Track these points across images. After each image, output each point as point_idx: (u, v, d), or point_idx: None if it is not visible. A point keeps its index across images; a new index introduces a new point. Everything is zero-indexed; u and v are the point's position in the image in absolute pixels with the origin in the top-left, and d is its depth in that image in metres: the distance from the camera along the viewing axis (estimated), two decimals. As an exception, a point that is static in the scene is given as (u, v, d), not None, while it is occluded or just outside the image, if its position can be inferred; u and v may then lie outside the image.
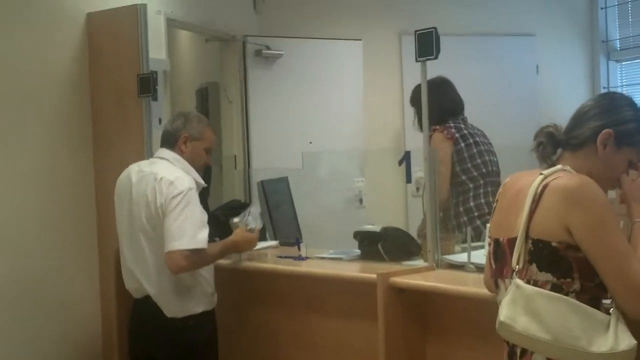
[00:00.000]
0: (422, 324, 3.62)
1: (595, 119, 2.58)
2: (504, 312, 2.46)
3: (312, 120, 6.81)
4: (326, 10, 7.18)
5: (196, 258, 3.79)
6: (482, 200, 4.75)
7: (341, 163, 6.58)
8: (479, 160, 4.79)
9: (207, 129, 4.15)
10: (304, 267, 4.15)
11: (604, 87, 7.95)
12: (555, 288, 2.40)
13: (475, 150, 4.80)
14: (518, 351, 2.50)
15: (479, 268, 3.45)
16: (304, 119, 6.79)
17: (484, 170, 4.80)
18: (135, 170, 4.04)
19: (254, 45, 6.72)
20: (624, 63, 8.06)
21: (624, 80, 8.06)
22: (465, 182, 4.75)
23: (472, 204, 4.75)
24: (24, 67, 4.68)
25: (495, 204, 2.76)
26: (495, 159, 4.90)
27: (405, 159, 4.07)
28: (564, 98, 7.27)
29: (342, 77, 7.02)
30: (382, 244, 4.04)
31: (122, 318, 4.37)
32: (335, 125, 6.86)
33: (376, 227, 4.20)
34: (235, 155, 6.52)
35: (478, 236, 4.14)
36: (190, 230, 3.75)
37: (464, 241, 4.01)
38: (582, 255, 2.37)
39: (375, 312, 3.50)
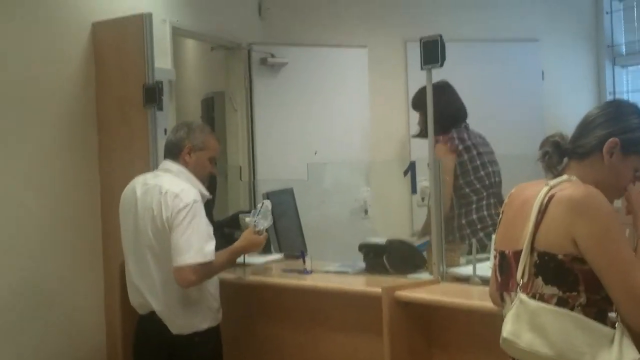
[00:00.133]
0: (427, 337, 3.62)
1: (601, 128, 2.57)
2: (508, 328, 2.45)
3: (318, 129, 6.81)
4: (331, 18, 7.18)
5: (205, 270, 3.78)
6: (485, 213, 4.74)
7: (346, 174, 6.57)
8: (482, 173, 4.78)
9: (210, 137, 4.13)
10: (309, 282, 4.15)
11: (610, 93, 7.93)
12: (561, 302, 2.39)
13: (478, 162, 4.78)
14: (523, 366, 2.48)
15: (484, 281, 3.43)
16: (309, 128, 6.80)
17: (487, 182, 4.79)
18: (140, 184, 4.02)
19: (259, 53, 6.73)
20: (629, 68, 8.03)
21: (630, 86, 8.02)
22: (469, 194, 4.74)
23: (474, 216, 4.73)
24: (29, 77, 4.68)
25: (500, 216, 2.74)
26: (497, 169, 4.88)
27: (411, 169, 4.06)
28: (570, 103, 7.27)
29: (347, 84, 7.03)
30: (387, 257, 4.04)
31: (127, 331, 4.36)
32: (340, 134, 6.86)
33: (381, 240, 4.19)
34: (240, 167, 6.51)
35: (482, 249, 4.12)
36: (196, 243, 3.75)
37: (469, 253, 4.00)
38: (588, 267, 2.36)
39: (380, 325, 3.51)
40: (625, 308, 2.34)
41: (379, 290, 3.52)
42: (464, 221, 4.71)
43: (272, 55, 6.76)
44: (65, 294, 4.81)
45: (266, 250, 4.84)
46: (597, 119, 2.61)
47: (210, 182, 4.31)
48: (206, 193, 4.01)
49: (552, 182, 2.51)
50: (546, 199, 2.44)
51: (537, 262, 2.44)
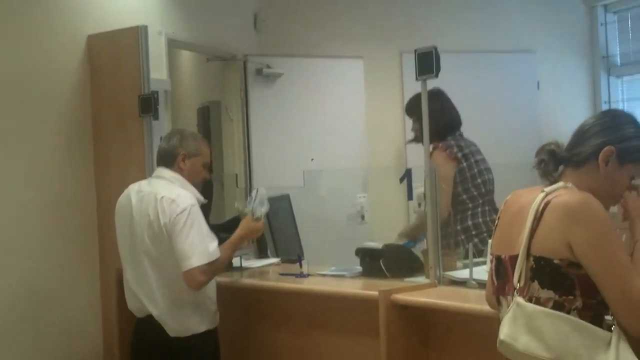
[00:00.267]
0: (424, 340, 3.61)
1: (597, 136, 2.58)
2: (505, 331, 2.46)
3: (314, 139, 6.82)
4: (326, 29, 7.18)
5: (212, 269, 3.84)
6: (480, 220, 4.76)
7: (343, 180, 6.59)
8: (479, 180, 4.80)
9: (202, 144, 4.17)
10: (305, 285, 4.14)
11: (605, 103, 7.95)
12: (557, 305, 2.39)
13: (476, 170, 4.81)
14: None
15: (480, 284, 3.44)
16: (305, 138, 6.80)
17: (482, 189, 4.81)
18: (135, 191, 4.03)
19: (254, 64, 6.74)
20: (624, 78, 8.06)
21: (625, 96, 8.05)
22: (465, 201, 4.75)
23: (470, 223, 4.75)
24: (25, 89, 4.70)
25: (496, 221, 2.75)
26: (491, 177, 4.91)
27: (407, 176, 4.07)
28: (565, 114, 7.28)
29: (343, 95, 7.03)
30: (384, 261, 4.04)
31: (124, 334, 4.36)
32: (336, 144, 6.86)
33: (378, 244, 4.20)
34: (236, 174, 6.52)
35: (477, 254, 4.13)
36: (200, 245, 3.80)
37: (465, 257, 4.01)
38: (584, 272, 2.37)
39: (377, 329, 3.50)
40: (621, 313, 2.34)
41: (375, 293, 3.51)
42: (459, 227, 4.72)
43: (268, 66, 6.77)
44: (62, 297, 4.83)
45: (263, 254, 4.86)
46: (593, 127, 2.61)
47: (206, 188, 4.33)
48: (201, 197, 4.03)
49: (548, 188, 2.51)
50: (542, 205, 2.45)
51: (534, 266, 2.44)
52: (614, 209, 2.67)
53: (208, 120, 7.23)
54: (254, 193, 4.31)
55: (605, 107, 7.84)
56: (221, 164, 6.84)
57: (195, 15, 6.19)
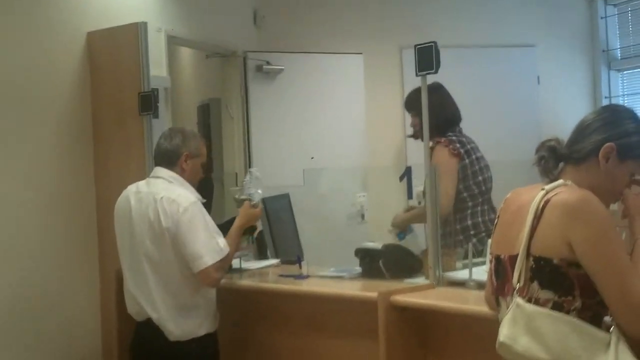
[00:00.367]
0: (424, 342, 3.61)
1: (598, 133, 2.57)
2: (504, 332, 2.45)
3: (314, 136, 6.82)
4: (326, 25, 7.19)
5: (224, 263, 3.92)
6: (480, 219, 4.73)
7: (342, 179, 6.58)
8: (480, 178, 4.77)
9: (202, 144, 4.17)
10: (305, 286, 4.13)
11: (606, 97, 7.93)
12: (557, 306, 2.39)
13: (477, 167, 4.77)
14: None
15: (480, 285, 3.43)
16: (305, 135, 6.81)
17: (483, 187, 4.78)
18: (133, 192, 4.02)
19: (254, 61, 6.74)
20: (625, 72, 8.03)
21: (626, 90, 8.03)
22: (466, 199, 4.72)
23: (469, 222, 4.72)
24: (24, 86, 4.69)
25: (496, 220, 2.74)
26: (490, 174, 4.87)
27: (407, 174, 4.05)
28: (566, 108, 7.27)
29: (343, 91, 7.03)
30: (383, 262, 4.02)
31: (123, 337, 4.37)
32: (336, 141, 6.87)
33: (377, 245, 4.18)
34: (236, 173, 6.52)
35: (477, 254, 4.11)
36: (210, 242, 3.83)
37: (465, 257, 4.00)
38: (583, 272, 2.36)
39: (376, 330, 3.49)
40: (620, 313, 2.33)
41: (375, 295, 3.50)
42: (458, 227, 4.69)
43: (268, 63, 6.77)
44: (61, 298, 4.83)
45: (262, 255, 4.85)
46: (593, 124, 2.60)
47: (207, 187, 4.33)
48: (199, 197, 4.02)
49: (548, 186, 2.51)
50: (542, 203, 2.44)
51: (533, 266, 2.43)
52: (614, 206, 2.66)
53: (208, 117, 7.23)
54: (247, 177, 4.32)
55: (605, 101, 7.82)
56: (221, 163, 6.84)
57: (195, 12, 6.18)
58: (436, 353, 3.60)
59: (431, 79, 3.91)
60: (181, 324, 3.88)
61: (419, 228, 4.73)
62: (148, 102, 4.81)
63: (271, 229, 4.84)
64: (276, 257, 4.82)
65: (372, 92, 7.13)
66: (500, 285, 2.61)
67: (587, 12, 8.01)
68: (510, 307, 2.47)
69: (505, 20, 7.57)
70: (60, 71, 4.93)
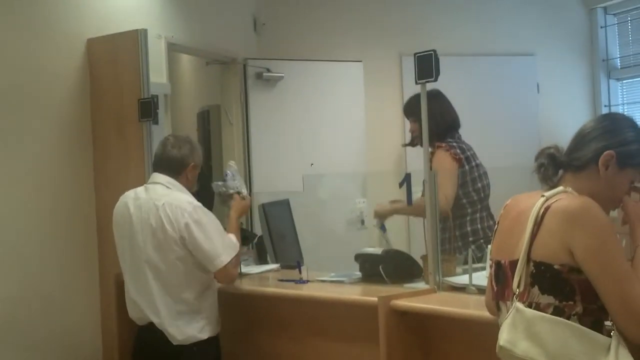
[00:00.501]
0: (424, 346, 3.60)
1: (597, 141, 2.56)
2: (504, 336, 2.45)
3: (313, 143, 6.82)
4: (326, 32, 7.20)
5: (238, 259, 4.06)
6: (479, 226, 4.72)
7: (342, 185, 6.58)
8: (479, 185, 4.76)
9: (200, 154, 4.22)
10: (305, 291, 4.13)
11: (605, 106, 7.95)
12: (558, 311, 2.38)
13: (476, 174, 4.76)
14: (519, 375, 2.48)
15: (480, 290, 3.43)
16: (304, 141, 6.81)
17: (482, 194, 4.77)
18: (132, 198, 4.02)
19: (254, 68, 6.74)
20: (624, 81, 8.06)
21: (625, 99, 8.05)
22: (465, 206, 4.71)
23: (468, 228, 4.71)
24: (25, 92, 4.71)
25: (496, 226, 2.74)
26: (488, 182, 4.86)
27: (406, 180, 4.05)
28: (565, 117, 7.28)
29: (343, 98, 7.03)
30: (383, 267, 4.02)
31: (124, 341, 4.37)
32: (336, 147, 6.87)
33: (377, 250, 4.19)
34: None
35: (477, 260, 4.11)
36: (223, 240, 3.94)
37: (464, 263, 4.00)
38: (584, 277, 2.36)
39: (377, 335, 3.49)
40: (620, 319, 2.33)
41: (375, 299, 3.50)
42: (457, 233, 4.68)
43: (268, 70, 6.77)
44: (61, 304, 4.83)
45: (262, 260, 4.86)
46: (593, 131, 2.60)
47: (208, 194, 4.35)
48: (197, 203, 4.02)
49: (548, 193, 2.50)
50: (542, 210, 2.44)
51: (534, 271, 2.43)
52: (614, 213, 2.66)
53: (208, 124, 7.23)
54: (229, 171, 4.36)
55: (605, 110, 7.85)
56: (221, 169, 6.82)
57: (195, 19, 6.19)
58: (436, 358, 3.58)
59: (430, 86, 3.91)
60: (183, 329, 3.88)
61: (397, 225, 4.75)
62: (148, 109, 4.81)
63: (271, 234, 4.84)
64: (276, 262, 4.81)
65: (372, 99, 7.13)
66: (500, 290, 2.61)
67: (587, 21, 8.04)
68: (510, 311, 2.47)
69: (505, 28, 7.59)
70: (60, 77, 4.94)
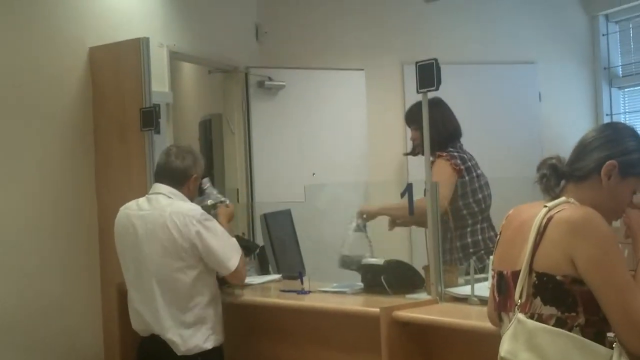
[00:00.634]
0: (426, 357, 3.59)
1: (599, 150, 2.56)
2: (505, 347, 2.45)
3: (315, 151, 6.83)
4: (328, 41, 7.21)
5: (243, 258, 4.09)
6: (479, 237, 4.69)
7: (344, 195, 6.56)
8: (479, 196, 4.72)
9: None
10: (307, 301, 4.12)
11: (607, 114, 7.95)
12: (560, 322, 2.38)
13: (477, 185, 4.73)
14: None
15: (482, 301, 3.42)
16: (306, 150, 6.81)
17: (483, 205, 4.74)
18: (134, 209, 4.02)
19: (256, 77, 6.75)
20: (626, 90, 8.06)
21: (627, 107, 8.05)
22: (465, 217, 4.67)
23: (469, 240, 4.68)
24: (26, 101, 4.72)
25: (498, 236, 2.74)
26: (489, 192, 4.82)
27: (408, 190, 4.04)
28: (567, 125, 7.29)
29: (345, 107, 7.04)
30: (385, 277, 4.01)
31: (126, 350, 4.37)
32: (338, 156, 6.87)
33: (379, 260, 4.17)
34: (237, 189, 6.52)
35: (479, 271, 4.10)
36: (231, 244, 4.01)
37: (466, 273, 3.99)
38: (586, 289, 2.35)
39: (378, 345, 3.48)
40: (622, 330, 2.33)
41: (377, 310, 3.49)
42: (458, 244, 4.65)
43: (270, 79, 6.78)
44: (62, 314, 4.83)
45: (264, 270, 4.85)
46: (595, 141, 2.60)
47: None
48: (202, 210, 4.03)
49: (551, 203, 2.50)
50: (545, 220, 2.43)
51: (536, 282, 2.43)
52: (616, 223, 2.66)
53: (210, 133, 7.23)
54: (207, 187, 4.45)
55: (607, 118, 7.84)
56: (222, 178, 6.83)
57: (197, 28, 6.20)
58: (439, 368, 3.59)
59: (432, 95, 3.91)
60: (188, 339, 3.88)
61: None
62: (149, 118, 4.82)
63: (273, 244, 4.83)
64: (278, 272, 4.81)
65: (374, 108, 7.14)
66: (502, 300, 2.60)
67: (589, 29, 8.05)
68: (512, 322, 2.47)
69: (506, 36, 7.60)
70: (62, 86, 4.95)
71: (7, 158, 4.58)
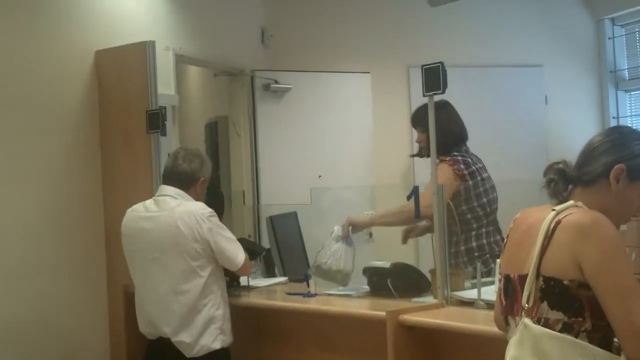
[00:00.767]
0: (432, 361, 3.59)
1: (607, 155, 2.54)
2: (511, 353, 2.44)
3: (321, 154, 6.83)
4: (334, 44, 7.21)
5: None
6: (485, 241, 4.65)
7: (350, 198, 6.56)
8: (484, 200, 4.68)
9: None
10: (312, 305, 4.11)
11: (613, 117, 7.95)
12: (566, 327, 2.36)
13: (481, 189, 4.69)
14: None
15: (489, 305, 3.41)
16: (312, 153, 6.81)
17: (488, 209, 4.69)
18: (142, 212, 4.03)
19: (262, 79, 6.75)
20: (632, 93, 8.06)
21: (633, 110, 8.04)
22: (470, 221, 4.63)
23: (474, 244, 4.64)
24: (33, 104, 4.72)
25: (505, 240, 2.73)
26: (496, 195, 4.78)
27: (414, 193, 4.03)
28: (573, 128, 7.29)
29: (351, 110, 7.04)
30: (392, 280, 4.00)
31: (133, 355, 4.37)
32: (344, 158, 6.87)
33: (385, 263, 4.16)
34: (243, 191, 6.52)
35: (485, 275, 4.08)
36: (235, 240, 4.06)
37: (473, 277, 3.98)
38: (593, 294, 2.34)
39: (384, 349, 3.48)
40: (625, 337, 2.30)
41: (383, 314, 3.49)
42: (462, 248, 4.63)
43: (276, 82, 6.78)
44: (69, 317, 4.83)
45: (270, 273, 4.85)
46: (602, 145, 2.58)
47: (217, 201, 4.38)
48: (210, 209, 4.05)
49: (559, 207, 2.48)
50: (553, 223, 2.42)
51: (543, 287, 2.41)
52: (624, 227, 2.65)
53: (216, 135, 7.23)
54: None
55: (613, 122, 7.84)
56: (229, 181, 6.84)
57: (203, 31, 6.20)
58: (445, 373, 3.59)
59: (438, 98, 3.90)
60: (197, 340, 3.89)
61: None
62: (156, 120, 4.82)
63: (279, 247, 4.84)
64: (284, 275, 4.82)
65: (380, 111, 7.14)
66: (509, 304, 2.59)
67: (595, 33, 8.04)
68: (518, 327, 2.46)
69: (513, 40, 7.60)
70: (68, 89, 4.96)
71: (14, 161, 4.58)
